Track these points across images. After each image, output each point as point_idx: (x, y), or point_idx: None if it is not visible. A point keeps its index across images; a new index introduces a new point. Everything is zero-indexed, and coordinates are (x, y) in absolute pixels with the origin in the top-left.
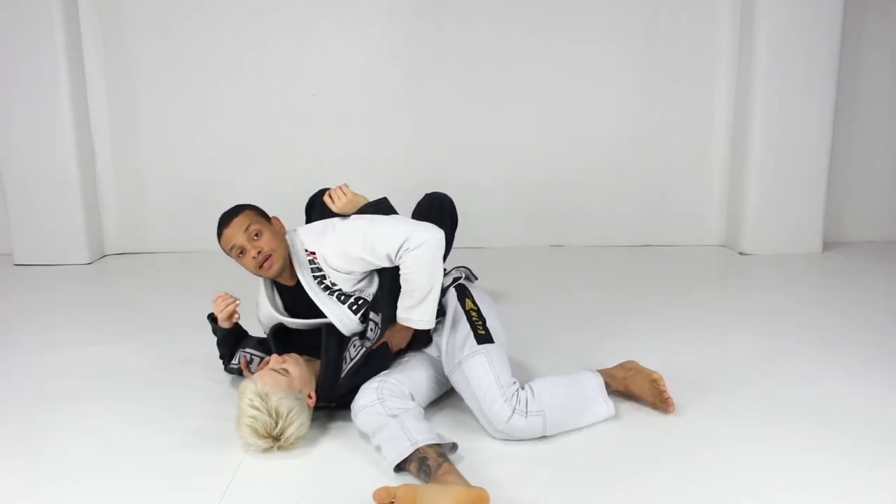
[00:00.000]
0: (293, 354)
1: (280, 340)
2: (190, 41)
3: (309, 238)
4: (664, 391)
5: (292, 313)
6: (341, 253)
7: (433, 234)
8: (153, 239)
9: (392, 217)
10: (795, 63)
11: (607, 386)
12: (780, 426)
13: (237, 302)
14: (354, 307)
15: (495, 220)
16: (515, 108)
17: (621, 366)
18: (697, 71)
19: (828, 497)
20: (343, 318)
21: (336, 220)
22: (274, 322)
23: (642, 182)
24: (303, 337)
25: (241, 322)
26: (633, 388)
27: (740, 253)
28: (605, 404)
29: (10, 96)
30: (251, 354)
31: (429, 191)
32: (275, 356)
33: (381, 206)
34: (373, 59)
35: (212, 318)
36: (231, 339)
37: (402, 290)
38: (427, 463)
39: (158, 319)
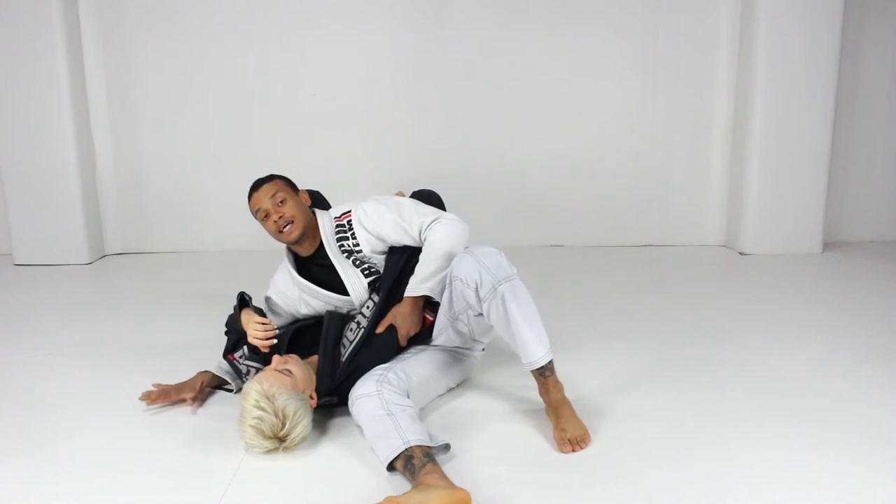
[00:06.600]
0: (293, 356)
1: (286, 348)
2: (190, 41)
3: (342, 207)
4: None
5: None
6: (377, 212)
7: (463, 223)
8: (153, 239)
9: None
10: (795, 63)
11: (548, 371)
12: (779, 426)
13: (273, 342)
14: (367, 272)
15: (495, 220)
16: (515, 108)
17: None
18: (697, 70)
19: (827, 497)
20: (354, 281)
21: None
22: (285, 297)
23: (642, 182)
24: (310, 339)
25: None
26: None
27: (740, 253)
28: (541, 343)
29: (10, 96)
30: (248, 366)
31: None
32: (276, 357)
33: (425, 195)
34: (373, 58)
35: (241, 300)
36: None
37: (420, 261)
38: (412, 462)
39: (158, 319)
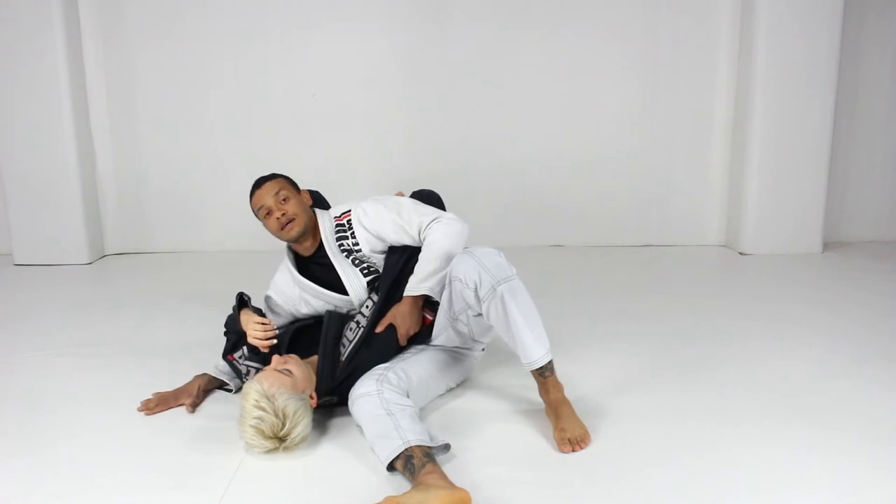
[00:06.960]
0: (293, 356)
1: (286, 348)
2: (190, 41)
3: (342, 206)
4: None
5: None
6: (376, 212)
7: (463, 223)
8: (153, 239)
9: None
10: (795, 63)
11: (547, 371)
12: (779, 426)
13: (273, 342)
14: (365, 271)
15: (495, 220)
16: (515, 108)
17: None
18: (697, 70)
19: (827, 497)
20: (353, 280)
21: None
22: (286, 296)
23: (642, 182)
24: (310, 338)
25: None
26: (551, 416)
27: (740, 253)
28: (541, 343)
29: (10, 96)
30: (248, 366)
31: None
32: (276, 357)
33: (425, 196)
34: (373, 58)
35: (239, 300)
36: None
37: (419, 260)
38: (412, 462)
39: (158, 319)
